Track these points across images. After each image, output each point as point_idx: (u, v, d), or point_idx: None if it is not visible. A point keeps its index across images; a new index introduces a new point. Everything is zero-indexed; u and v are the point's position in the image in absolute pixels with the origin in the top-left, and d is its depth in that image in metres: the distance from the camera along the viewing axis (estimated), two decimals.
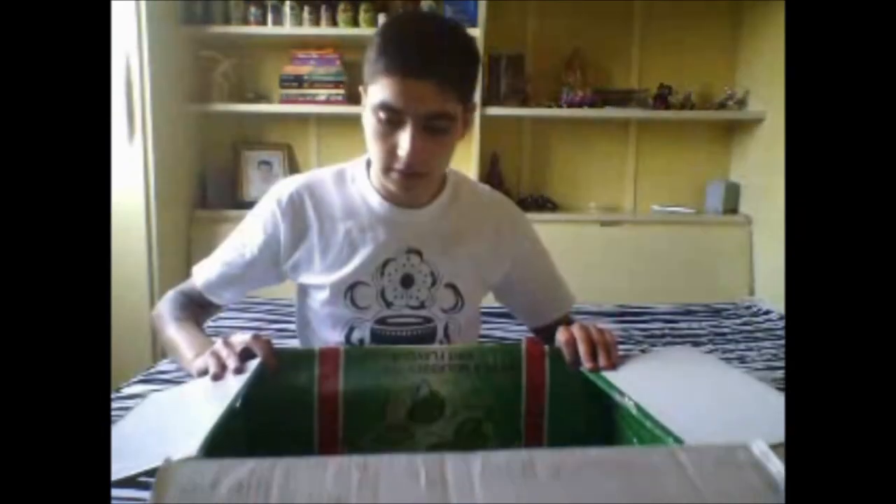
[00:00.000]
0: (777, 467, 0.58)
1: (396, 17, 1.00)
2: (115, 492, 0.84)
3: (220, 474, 0.53)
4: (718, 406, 0.78)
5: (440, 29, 0.93)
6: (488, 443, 0.84)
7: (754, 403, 0.81)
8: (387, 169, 0.95)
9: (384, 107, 0.90)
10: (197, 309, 1.11)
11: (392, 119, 0.90)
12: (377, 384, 0.84)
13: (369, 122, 0.94)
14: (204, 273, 1.11)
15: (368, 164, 1.04)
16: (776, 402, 0.78)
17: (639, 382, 0.80)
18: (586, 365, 0.85)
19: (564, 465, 0.58)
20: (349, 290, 1.02)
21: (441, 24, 0.97)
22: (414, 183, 0.96)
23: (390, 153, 0.93)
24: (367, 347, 1.01)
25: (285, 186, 1.05)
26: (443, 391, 0.85)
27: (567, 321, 1.15)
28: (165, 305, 1.10)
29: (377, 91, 0.90)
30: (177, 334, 1.02)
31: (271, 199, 1.05)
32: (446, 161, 1.00)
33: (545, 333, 1.17)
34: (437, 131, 0.92)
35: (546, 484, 0.55)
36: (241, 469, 0.54)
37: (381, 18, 2.42)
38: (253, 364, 0.80)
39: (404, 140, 0.90)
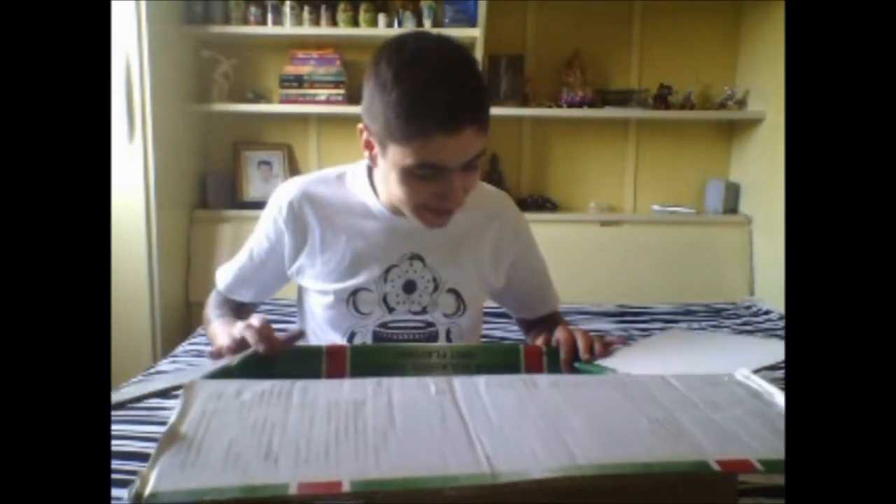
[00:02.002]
0: (759, 384, 0.61)
1: (404, 60, 0.84)
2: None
3: (244, 386, 0.58)
4: (711, 361, 0.82)
5: (454, 63, 0.85)
6: None
7: (748, 351, 0.85)
8: (422, 209, 0.92)
9: (425, 166, 0.85)
10: (233, 304, 1.15)
11: (431, 174, 0.86)
12: None
13: (395, 175, 0.88)
14: (223, 277, 1.15)
15: (369, 168, 1.03)
16: (771, 346, 0.80)
17: (631, 360, 0.84)
18: (583, 356, 0.87)
19: (563, 381, 0.64)
20: (352, 296, 1.03)
21: (451, 54, 0.86)
22: (451, 216, 0.95)
23: (429, 200, 0.90)
24: (372, 345, 1.02)
25: (285, 193, 1.04)
26: None
27: (555, 318, 1.17)
28: (209, 306, 1.15)
29: (411, 153, 0.84)
30: (213, 325, 1.08)
31: (273, 207, 1.05)
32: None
33: (529, 324, 1.21)
34: (471, 168, 0.90)
35: (545, 391, 0.60)
36: (263, 383, 0.59)
37: (382, 18, 2.42)
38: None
39: (448, 189, 0.87)
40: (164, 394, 0.68)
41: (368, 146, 0.93)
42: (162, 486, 0.44)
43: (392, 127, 0.83)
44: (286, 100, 2.48)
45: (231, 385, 0.58)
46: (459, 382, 0.60)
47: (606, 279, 2.53)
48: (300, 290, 1.14)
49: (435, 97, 0.81)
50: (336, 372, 0.84)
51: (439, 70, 0.83)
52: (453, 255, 1.05)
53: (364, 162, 1.03)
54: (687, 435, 0.52)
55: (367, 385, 0.59)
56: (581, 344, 0.89)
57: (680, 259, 2.60)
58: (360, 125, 0.92)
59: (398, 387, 0.58)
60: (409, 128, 0.82)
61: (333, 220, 1.03)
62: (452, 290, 1.05)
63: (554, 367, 0.88)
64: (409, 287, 1.03)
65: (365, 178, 1.03)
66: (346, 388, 0.58)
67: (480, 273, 1.08)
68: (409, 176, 0.87)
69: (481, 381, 0.61)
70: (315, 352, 0.87)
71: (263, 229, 1.07)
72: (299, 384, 0.58)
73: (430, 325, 1.05)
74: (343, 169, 1.07)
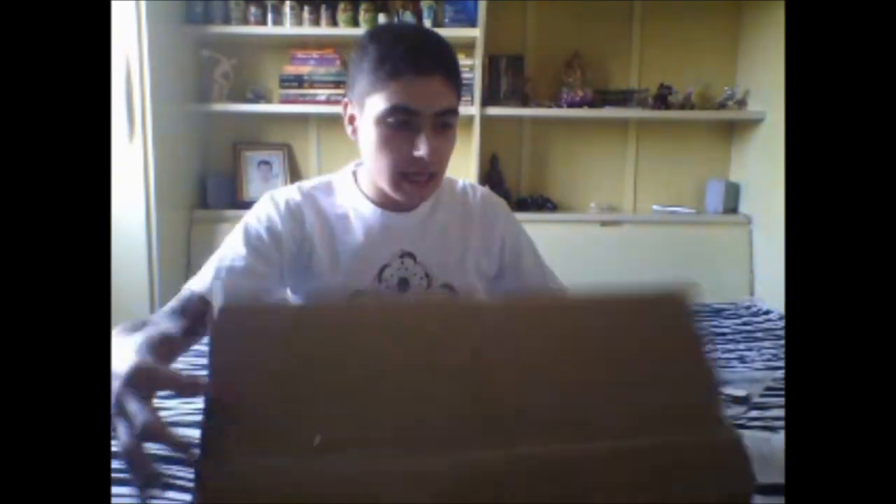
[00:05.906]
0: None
1: (381, 28, 1.03)
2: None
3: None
4: None
5: (427, 32, 0.98)
6: None
7: None
8: (400, 177, 0.93)
9: (397, 110, 0.89)
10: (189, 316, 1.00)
11: (404, 122, 0.90)
12: None
13: (372, 133, 0.92)
14: (202, 278, 0.99)
15: (353, 174, 1.06)
16: None
17: None
18: None
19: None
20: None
21: (424, 29, 1.03)
22: (429, 189, 0.96)
23: (405, 159, 0.91)
24: None
25: (281, 194, 1.03)
26: None
27: None
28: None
29: (384, 98, 0.89)
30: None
31: (267, 204, 1.01)
32: (449, 159, 1.00)
33: None
34: (445, 128, 0.93)
35: None
36: None
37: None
38: None
39: (422, 142, 0.90)
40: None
41: (351, 120, 0.99)
42: None
43: (369, 79, 0.90)
44: (286, 100, 2.48)
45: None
46: None
47: (606, 279, 2.52)
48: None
49: (407, 46, 0.90)
50: None
51: (413, 31, 0.97)
52: (443, 248, 1.06)
53: (349, 167, 1.08)
54: None
55: None
56: None
57: (680, 259, 2.60)
58: (344, 100, 0.99)
59: None
60: (383, 69, 0.89)
61: (328, 224, 1.03)
62: (446, 285, 1.06)
63: None
64: (403, 285, 1.04)
65: (351, 181, 1.06)
66: None
67: (473, 260, 1.08)
68: (385, 128, 0.90)
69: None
70: None
71: (259, 226, 0.99)
72: None
73: None
74: (328, 178, 1.09)
